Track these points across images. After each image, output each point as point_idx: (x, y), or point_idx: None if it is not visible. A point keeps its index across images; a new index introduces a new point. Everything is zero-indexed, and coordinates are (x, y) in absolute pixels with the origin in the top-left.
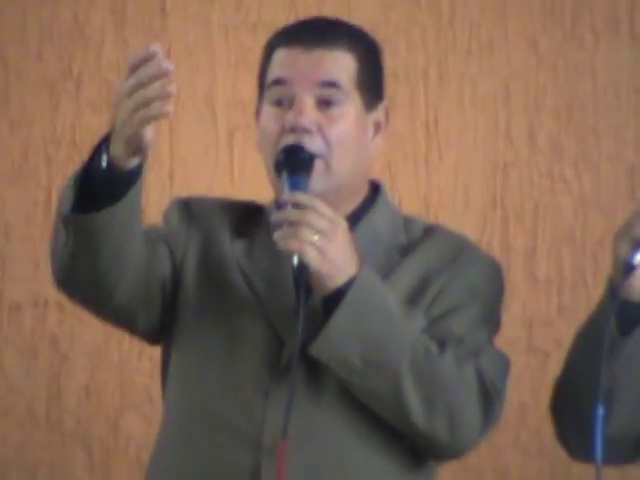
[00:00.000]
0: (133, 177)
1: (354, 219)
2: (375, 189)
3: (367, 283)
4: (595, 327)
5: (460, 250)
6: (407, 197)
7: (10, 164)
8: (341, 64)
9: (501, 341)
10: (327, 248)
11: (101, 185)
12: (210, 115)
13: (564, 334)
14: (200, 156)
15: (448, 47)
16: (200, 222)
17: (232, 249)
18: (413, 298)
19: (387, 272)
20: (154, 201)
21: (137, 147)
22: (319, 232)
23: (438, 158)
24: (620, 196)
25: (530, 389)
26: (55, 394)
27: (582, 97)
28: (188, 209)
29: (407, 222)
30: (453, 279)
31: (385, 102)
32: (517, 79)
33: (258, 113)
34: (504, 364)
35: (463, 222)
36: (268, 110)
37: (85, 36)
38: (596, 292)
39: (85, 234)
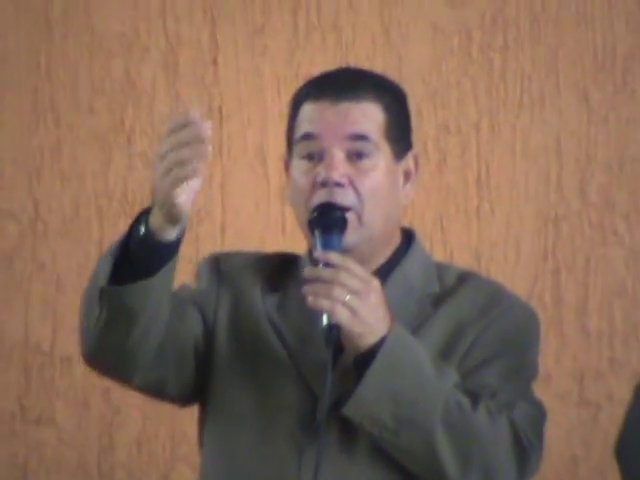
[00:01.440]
0: (170, 250)
1: (387, 269)
2: (408, 237)
3: (399, 342)
4: None
5: (493, 298)
6: (458, 250)
7: (62, 218)
8: (369, 116)
9: (552, 394)
10: (359, 308)
11: (138, 257)
12: (261, 168)
13: (615, 387)
14: (252, 209)
15: (499, 100)
16: (230, 280)
17: (264, 304)
18: (447, 350)
19: (420, 323)
20: (206, 254)
21: (173, 215)
22: (351, 292)
23: (489, 211)
24: None
25: (581, 442)
26: (107, 446)
27: (633, 149)
28: (218, 267)
29: (440, 270)
30: (487, 329)
31: (414, 150)
32: (568, 132)
33: (287, 167)
34: (540, 415)
35: (514, 275)
36: (299, 164)
37: (137, 89)
38: None
39: (119, 307)
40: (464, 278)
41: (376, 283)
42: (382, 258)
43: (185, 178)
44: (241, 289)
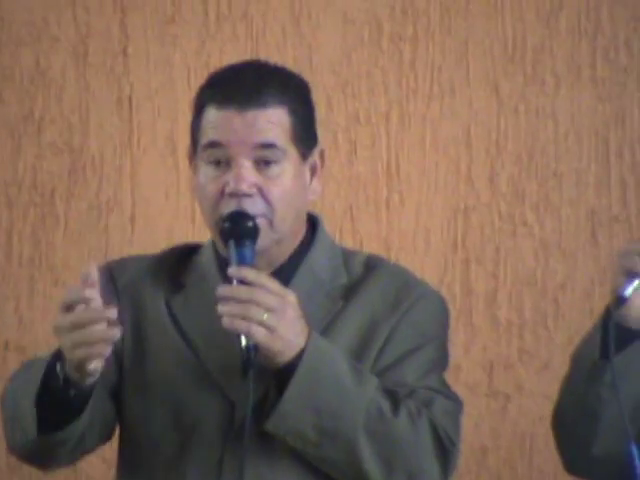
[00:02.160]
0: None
1: (294, 262)
2: (313, 224)
3: (317, 354)
4: (585, 352)
5: (404, 288)
6: (368, 240)
7: None
8: (276, 122)
9: (461, 385)
10: (277, 325)
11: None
12: (172, 158)
13: (525, 378)
14: (161, 199)
15: (410, 90)
16: (129, 294)
17: (169, 309)
18: (361, 347)
19: (332, 319)
20: (115, 245)
21: (86, 374)
22: (268, 309)
23: (399, 201)
24: (581, 240)
25: (490, 433)
26: None
27: (543, 141)
28: (114, 284)
29: (347, 257)
30: (400, 323)
31: (320, 145)
32: (478, 123)
33: (192, 160)
34: (457, 407)
35: (424, 265)
36: (206, 170)
37: (46, 79)
38: (557, 335)
39: (50, 444)
40: (371, 266)
41: (292, 297)
42: (289, 251)
43: (95, 357)
44: (143, 301)
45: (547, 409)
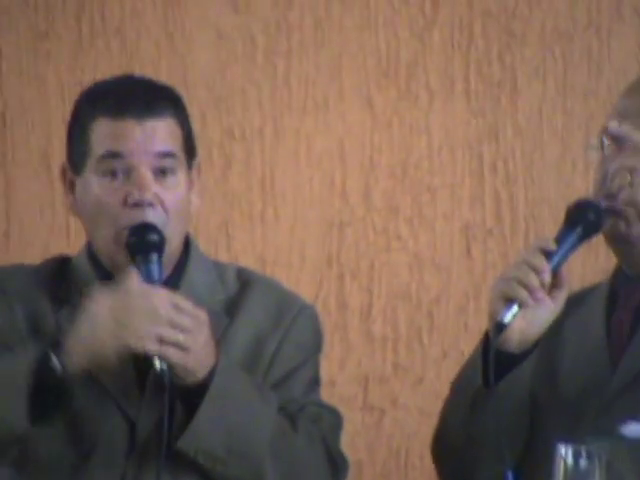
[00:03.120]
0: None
1: (173, 280)
2: (185, 241)
3: (227, 372)
4: (467, 378)
5: (283, 304)
6: (243, 255)
7: None
8: (173, 132)
9: (337, 399)
10: (191, 345)
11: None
12: (46, 174)
13: (399, 392)
14: (36, 216)
15: (284, 105)
16: (20, 304)
17: (57, 322)
18: (250, 363)
19: (220, 336)
20: None
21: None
22: (183, 330)
23: (274, 216)
24: (455, 254)
25: (366, 447)
26: None
27: (417, 155)
28: (3, 289)
29: (220, 271)
30: (285, 339)
31: (197, 159)
32: (352, 137)
33: (64, 176)
34: (339, 421)
35: (299, 280)
36: (100, 182)
37: None
38: (431, 349)
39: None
40: (245, 280)
41: (204, 316)
42: (169, 268)
43: None
44: (36, 311)
45: (422, 423)
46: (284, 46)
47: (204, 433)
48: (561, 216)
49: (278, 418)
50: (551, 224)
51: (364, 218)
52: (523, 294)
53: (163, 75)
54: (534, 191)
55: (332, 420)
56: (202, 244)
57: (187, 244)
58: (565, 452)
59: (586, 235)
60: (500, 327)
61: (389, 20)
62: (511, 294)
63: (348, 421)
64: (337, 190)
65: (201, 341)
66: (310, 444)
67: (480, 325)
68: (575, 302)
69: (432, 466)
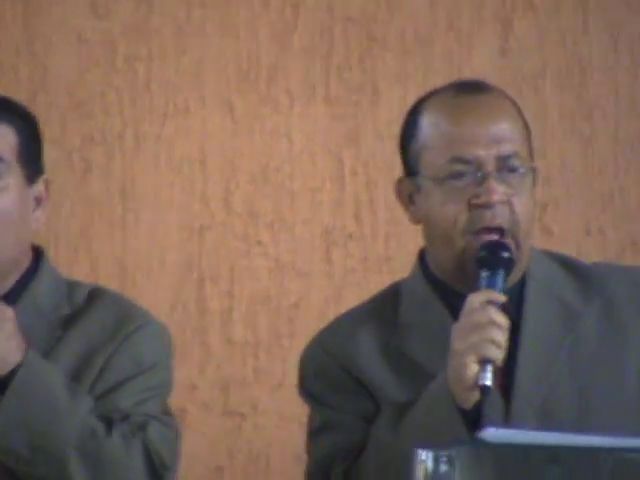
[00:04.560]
0: None
1: (16, 292)
2: (38, 256)
3: (32, 370)
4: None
5: (123, 318)
6: (103, 259)
7: None
8: (3, 137)
9: (197, 404)
10: None
11: None
12: None
13: (259, 397)
14: None
15: (144, 110)
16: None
17: None
18: (77, 374)
19: (49, 348)
20: None
21: None
22: None
23: (134, 221)
24: (315, 258)
25: (226, 452)
26: None
27: (278, 160)
28: None
29: (71, 288)
30: (117, 351)
31: (45, 176)
32: (213, 142)
33: None
34: (173, 434)
35: (159, 285)
36: None
37: None
38: (291, 354)
39: None
40: (94, 296)
41: (10, 312)
42: (10, 281)
43: None
44: None
45: (282, 428)
46: (144, 51)
47: (4, 430)
48: None
49: (90, 420)
50: (411, 228)
51: (224, 223)
52: (499, 354)
53: (23, 80)
54: (394, 195)
55: (162, 431)
56: (62, 249)
57: (39, 258)
58: (426, 457)
59: (508, 274)
60: (486, 391)
61: (250, 25)
62: (488, 355)
63: (208, 426)
64: (197, 195)
65: (4, 337)
66: (125, 448)
67: None
68: None
69: (291, 470)
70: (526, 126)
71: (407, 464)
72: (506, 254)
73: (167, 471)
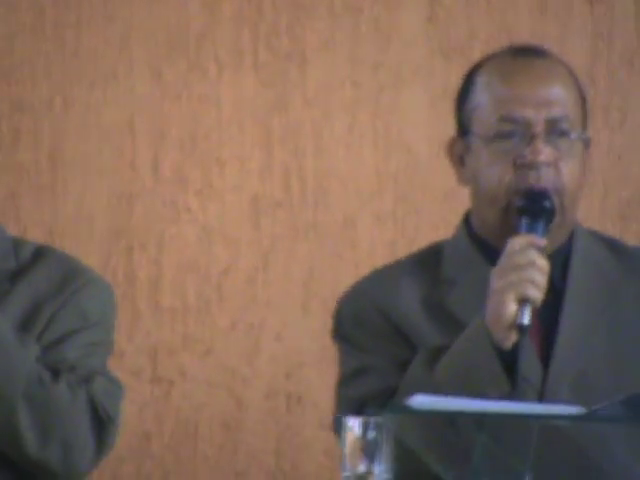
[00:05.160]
0: None
1: None
2: None
3: None
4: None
5: (70, 274)
6: (32, 227)
7: None
8: None
9: (126, 371)
10: None
11: None
12: None
13: (188, 364)
14: None
15: (73, 76)
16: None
17: None
18: (25, 325)
19: None
20: None
21: None
22: None
23: (62, 187)
24: (244, 226)
25: (154, 419)
26: None
27: (206, 127)
28: None
29: (17, 245)
30: (65, 305)
31: None
32: (142, 109)
33: None
34: (117, 390)
35: (88, 252)
36: None
37: None
38: (220, 320)
39: None
40: (40, 253)
41: None
42: None
43: None
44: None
45: (210, 395)
46: (73, 18)
47: None
48: (349, 187)
49: (37, 368)
50: (339, 196)
51: (153, 190)
52: (538, 295)
53: None
54: (323, 163)
55: (107, 385)
56: None
57: None
58: (353, 424)
59: (548, 224)
60: (524, 330)
61: None
62: (528, 294)
63: (137, 393)
64: (126, 162)
65: None
66: (71, 397)
67: (268, 296)
68: None
69: (220, 437)
70: (582, 96)
71: None
72: (547, 203)
73: (111, 424)
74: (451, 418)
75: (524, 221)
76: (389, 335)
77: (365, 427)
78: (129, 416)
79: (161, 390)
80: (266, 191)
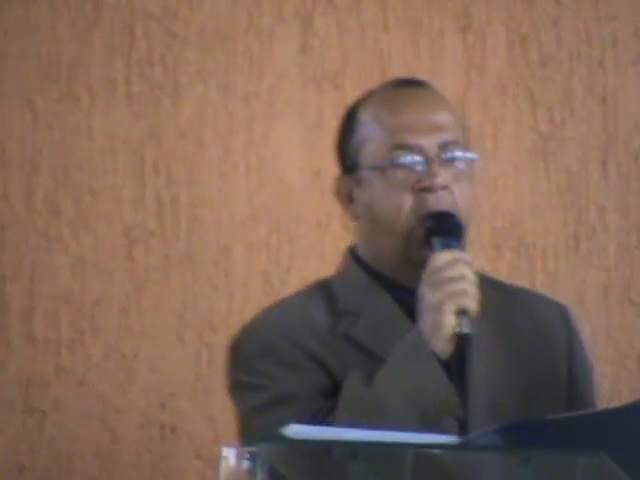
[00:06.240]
0: None
1: None
2: None
3: None
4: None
5: None
6: None
7: None
8: None
9: None
10: None
11: None
12: None
13: (61, 394)
14: None
15: None
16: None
17: None
18: None
19: None
20: None
21: None
22: None
23: None
24: (117, 255)
25: (27, 450)
26: None
27: (79, 157)
28: None
29: None
30: None
31: None
32: (13, 139)
33: None
34: None
35: None
36: None
37: None
38: (94, 351)
39: None
40: None
41: None
42: None
43: None
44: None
45: (84, 426)
46: None
47: None
48: (223, 217)
49: None
50: (212, 225)
51: (25, 220)
52: (474, 305)
53: None
54: (195, 192)
55: None
56: None
57: None
58: (228, 453)
59: (461, 240)
60: (467, 338)
61: (49, 21)
62: (466, 306)
63: (9, 424)
64: None
65: None
66: None
67: (142, 326)
68: None
69: (94, 468)
70: (462, 122)
71: (388, 414)
72: (455, 220)
73: None
74: (326, 447)
75: (436, 241)
76: (304, 364)
77: (239, 457)
78: (1, 448)
79: (34, 421)
80: (139, 221)
